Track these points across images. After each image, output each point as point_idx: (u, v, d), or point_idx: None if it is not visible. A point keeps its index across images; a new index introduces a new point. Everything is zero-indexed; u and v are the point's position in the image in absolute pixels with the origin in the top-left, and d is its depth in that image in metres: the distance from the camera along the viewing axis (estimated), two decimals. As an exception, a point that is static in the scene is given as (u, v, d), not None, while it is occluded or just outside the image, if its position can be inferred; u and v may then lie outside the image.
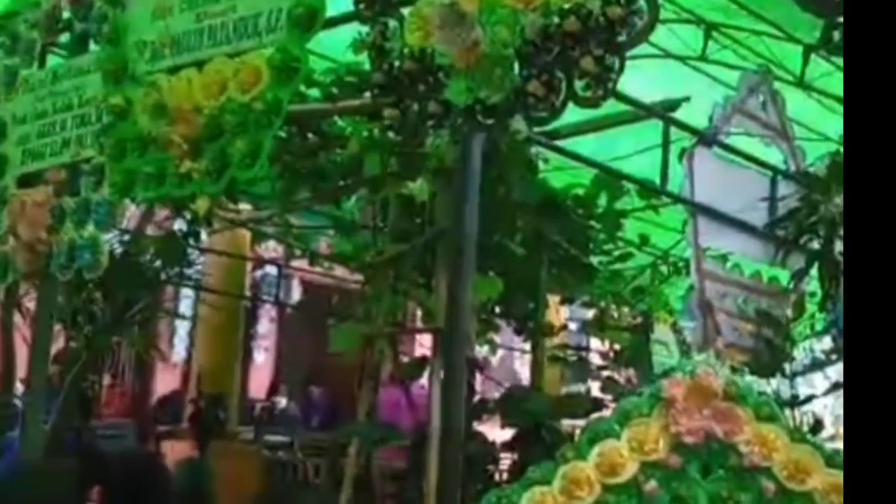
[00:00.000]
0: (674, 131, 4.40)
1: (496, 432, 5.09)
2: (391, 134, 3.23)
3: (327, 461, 6.18)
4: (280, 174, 5.03)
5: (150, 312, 7.81)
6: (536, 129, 3.63)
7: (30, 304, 6.49)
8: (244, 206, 6.68)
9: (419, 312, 5.32)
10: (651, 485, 3.01)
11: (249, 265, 11.33)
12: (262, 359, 14.98)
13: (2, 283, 4.30)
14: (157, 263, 7.42)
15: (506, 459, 5.35)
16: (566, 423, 4.87)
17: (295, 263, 9.32)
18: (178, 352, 13.38)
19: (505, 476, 5.24)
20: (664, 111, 4.44)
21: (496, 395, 5.34)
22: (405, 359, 5.37)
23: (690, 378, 3.05)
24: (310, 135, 5.06)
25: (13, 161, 4.30)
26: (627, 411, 3.09)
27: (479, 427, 4.70)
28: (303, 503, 2.39)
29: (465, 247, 3.15)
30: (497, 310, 5.47)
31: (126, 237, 6.65)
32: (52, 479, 3.14)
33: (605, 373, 5.49)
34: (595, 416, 4.25)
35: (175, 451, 8.35)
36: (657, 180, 4.32)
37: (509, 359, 12.97)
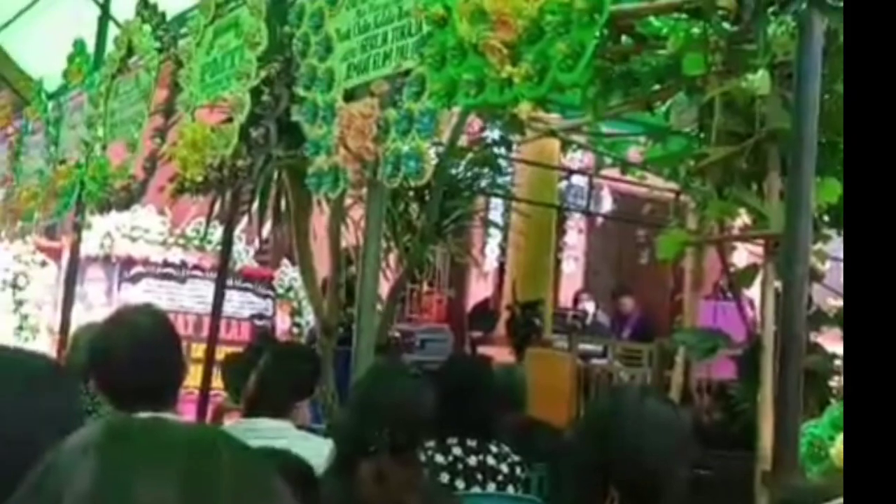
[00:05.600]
0: None
1: (837, 346, 4.78)
2: (726, 25, 3.02)
3: (654, 370, 6.10)
4: (591, 79, 4.89)
5: (464, 221, 8.03)
6: None
7: (353, 213, 6.84)
8: (553, 116, 6.63)
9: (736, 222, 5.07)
10: None
11: (557, 175, 11.36)
12: (572, 269, 15.04)
13: (333, 192, 4.49)
14: (471, 173, 7.57)
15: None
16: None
17: (605, 172, 9.20)
18: (490, 261, 13.69)
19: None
20: None
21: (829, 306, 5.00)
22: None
23: None
24: (623, 37, 4.88)
25: (339, 75, 4.44)
26: None
27: (817, 339, 4.43)
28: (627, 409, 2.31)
29: (804, 147, 2.91)
30: (826, 218, 5.10)
31: (441, 148, 6.79)
32: (405, 377, 3.26)
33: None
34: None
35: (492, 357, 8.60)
36: None
37: (836, 270, 12.25)
